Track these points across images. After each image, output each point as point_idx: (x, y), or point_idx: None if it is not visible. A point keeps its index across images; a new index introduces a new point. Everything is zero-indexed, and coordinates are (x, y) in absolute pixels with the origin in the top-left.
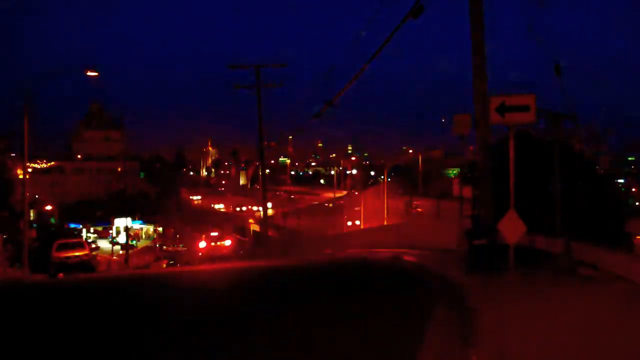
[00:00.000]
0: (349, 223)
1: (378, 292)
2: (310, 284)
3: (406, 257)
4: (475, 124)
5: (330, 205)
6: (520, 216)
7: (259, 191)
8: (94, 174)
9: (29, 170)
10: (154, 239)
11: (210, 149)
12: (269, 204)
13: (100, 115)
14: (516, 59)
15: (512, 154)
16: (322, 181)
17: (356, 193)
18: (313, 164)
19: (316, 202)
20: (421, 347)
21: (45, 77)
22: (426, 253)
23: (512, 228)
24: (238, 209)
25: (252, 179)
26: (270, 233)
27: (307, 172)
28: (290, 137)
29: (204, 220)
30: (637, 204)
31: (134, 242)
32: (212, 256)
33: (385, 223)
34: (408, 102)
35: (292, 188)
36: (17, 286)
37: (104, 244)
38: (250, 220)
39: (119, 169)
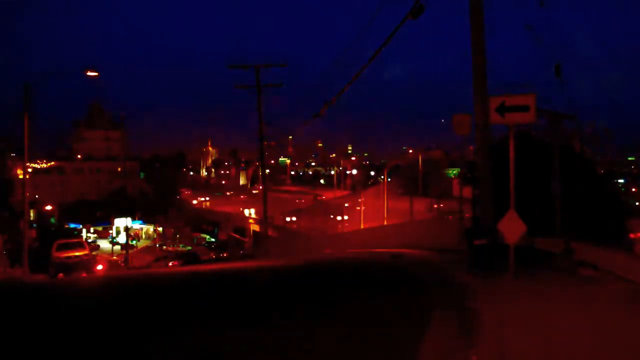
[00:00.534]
0: (352, 219)
1: (378, 292)
2: (309, 284)
3: (406, 257)
4: (475, 124)
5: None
6: (520, 216)
7: (260, 191)
8: (94, 174)
9: (29, 170)
10: (154, 239)
11: (210, 149)
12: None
13: (100, 115)
14: (516, 59)
15: (512, 154)
16: (322, 181)
17: (358, 197)
18: (313, 164)
19: (321, 198)
20: (421, 346)
21: (46, 77)
22: (426, 253)
23: (512, 228)
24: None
25: (252, 179)
26: (270, 233)
27: (307, 172)
28: (290, 137)
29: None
30: (637, 204)
31: (134, 242)
32: None
33: (385, 223)
34: (408, 102)
35: (292, 188)
36: (17, 286)
37: (104, 244)
38: (251, 220)
39: (119, 169)
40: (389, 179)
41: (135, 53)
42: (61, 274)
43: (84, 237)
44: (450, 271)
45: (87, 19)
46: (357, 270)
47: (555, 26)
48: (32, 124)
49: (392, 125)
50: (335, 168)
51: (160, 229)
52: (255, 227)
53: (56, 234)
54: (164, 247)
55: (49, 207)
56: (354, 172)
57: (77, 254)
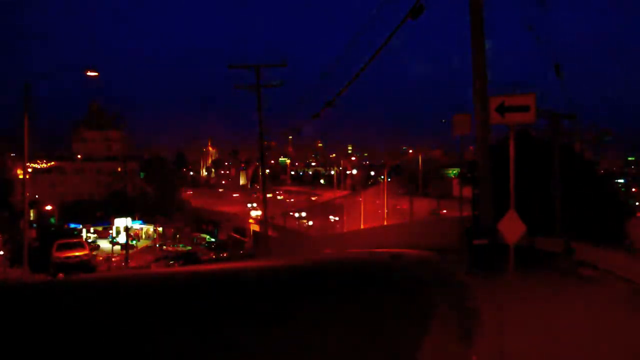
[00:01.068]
0: (352, 219)
1: (378, 292)
2: (310, 284)
3: (406, 257)
4: (475, 124)
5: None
6: (520, 216)
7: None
8: (94, 174)
9: (29, 170)
10: (154, 239)
11: (210, 149)
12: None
13: (100, 115)
14: (517, 59)
15: (512, 154)
16: (322, 181)
17: (358, 197)
18: (313, 164)
19: (315, 198)
20: (421, 346)
21: (46, 76)
22: (426, 253)
23: (512, 228)
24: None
25: (252, 179)
26: (270, 233)
27: (307, 172)
28: (290, 137)
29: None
30: (637, 204)
31: (134, 242)
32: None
33: (385, 223)
34: (408, 102)
35: (292, 188)
36: (16, 286)
37: (104, 244)
38: (251, 220)
39: (119, 169)
40: (389, 179)
41: (135, 53)
42: (61, 274)
43: (84, 237)
44: (450, 271)
45: (87, 19)
46: (357, 270)
47: (556, 26)
48: (32, 124)
49: (392, 125)
50: (335, 168)
51: (160, 229)
52: (255, 227)
53: (56, 234)
54: (164, 247)
55: (49, 207)
56: (354, 172)
57: (77, 254)
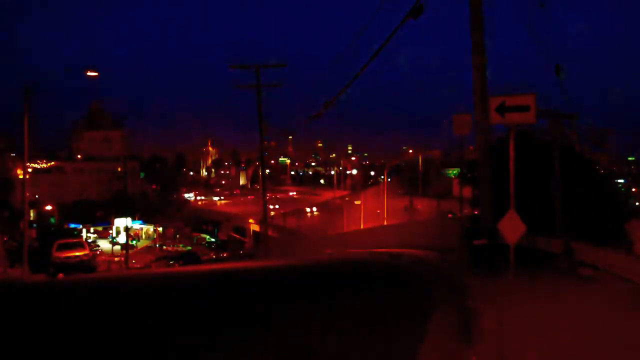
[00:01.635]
0: (352, 219)
1: (378, 292)
2: (310, 285)
3: (406, 257)
4: (475, 124)
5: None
6: (520, 216)
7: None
8: (94, 174)
9: (29, 170)
10: (154, 239)
11: (210, 149)
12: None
13: (100, 115)
14: (517, 59)
15: (512, 154)
16: (322, 181)
17: (358, 197)
18: (313, 164)
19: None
20: (421, 346)
21: (46, 76)
22: (426, 253)
23: (512, 228)
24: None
25: (252, 179)
26: (270, 233)
27: (307, 172)
28: (290, 137)
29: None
30: (637, 204)
31: (134, 242)
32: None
33: (385, 223)
34: (408, 102)
35: (292, 188)
36: (16, 286)
37: (104, 244)
38: (251, 220)
39: (119, 169)
40: (389, 179)
41: (135, 53)
42: (61, 274)
43: (84, 237)
44: (450, 271)
45: (87, 19)
46: (357, 270)
47: (556, 26)
48: (32, 124)
49: (392, 125)
50: (335, 168)
51: (160, 229)
52: (255, 227)
53: (56, 234)
54: (164, 247)
55: (49, 207)
56: (354, 172)
57: (77, 254)
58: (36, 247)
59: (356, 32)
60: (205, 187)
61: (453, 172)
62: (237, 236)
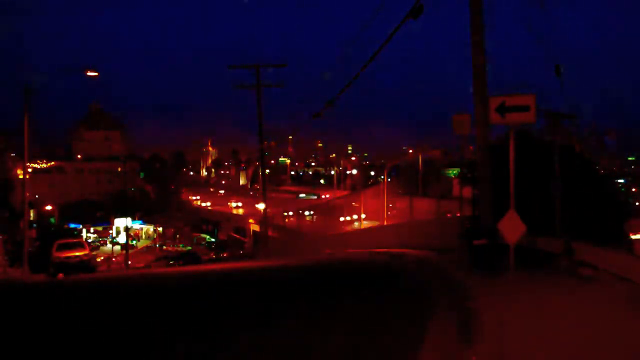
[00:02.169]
0: (352, 219)
1: (378, 292)
2: (310, 285)
3: (406, 257)
4: (475, 123)
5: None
6: (520, 216)
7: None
8: (94, 174)
9: (29, 170)
10: (154, 239)
11: (210, 149)
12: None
13: (100, 115)
14: (517, 59)
15: (512, 154)
16: (322, 181)
17: (358, 197)
18: (313, 164)
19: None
20: (422, 347)
21: (46, 76)
22: (426, 253)
23: (512, 228)
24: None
25: (252, 179)
26: (270, 233)
27: (307, 172)
28: (290, 137)
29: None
30: (637, 204)
31: (134, 242)
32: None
33: (385, 223)
34: (408, 102)
35: (292, 188)
36: (16, 286)
37: (104, 244)
38: (251, 220)
39: (119, 169)
40: (389, 179)
41: (135, 53)
42: (61, 274)
43: (84, 237)
44: (450, 271)
45: (87, 19)
46: (357, 270)
47: (557, 26)
48: (32, 124)
49: (392, 125)
50: (335, 168)
51: (160, 229)
52: (255, 227)
53: (56, 234)
54: (164, 247)
55: (49, 207)
56: (354, 172)
57: (77, 254)
58: (36, 247)
59: (356, 32)
60: (206, 187)
61: (453, 172)
62: (237, 236)
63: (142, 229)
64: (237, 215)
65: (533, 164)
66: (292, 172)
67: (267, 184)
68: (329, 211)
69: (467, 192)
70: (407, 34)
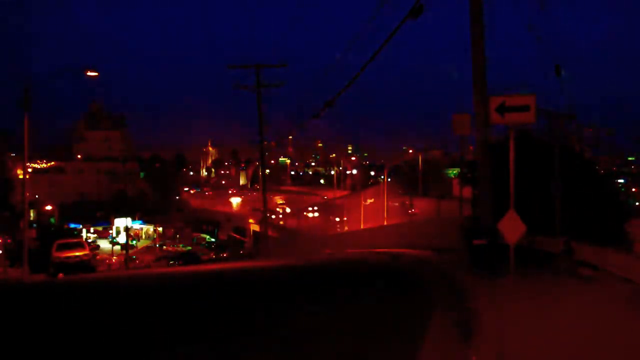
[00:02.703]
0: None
1: (378, 292)
2: (310, 285)
3: (406, 257)
4: (475, 124)
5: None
6: (520, 216)
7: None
8: (94, 174)
9: (29, 170)
10: (154, 239)
11: (210, 149)
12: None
13: (100, 115)
14: (517, 59)
15: (512, 154)
16: (322, 181)
17: (358, 197)
18: (313, 164)
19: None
20: (422, 346)
21: (46, 76)
22: (426, 253)
23: (512, 228)
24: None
25: (252, 179)
26: (270, 233)
27: (307, 172)
28: (290, 137)
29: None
30: (637, 204)
31: (134, 242)
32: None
33: (385, 223)
34: (408, 102)
35: (292, 188)
36: (16, 286)
37: (104, 244)
38: (250, 220)
39: (119, 169)
40: (389, 179)
41: (135, 53)
42: (61, 274)
43: (84, 237)
44: (450, 271)
45: (86, 19)
46: (357, 270)
47: (557, 25)
48: (32, 123)
49: (392, 125)
50: (335, 168)
51: (160, 229)
52: (255, 227)
53: (56, 234)
54: (164, 247)
55: (49, 207)
56: (354, 172)
57: (77, 254)
58: (36, 247)
59: (356, 32)
60: (205, 187)
61: (453, 172)
62: (237, 236)
63: (142, 229)
64: (237, 215)
65: (533, 164)
66: (292, 172)
67: (267, 184)
68: (329, 211)
69: (467, 192)
70: (407, 33)
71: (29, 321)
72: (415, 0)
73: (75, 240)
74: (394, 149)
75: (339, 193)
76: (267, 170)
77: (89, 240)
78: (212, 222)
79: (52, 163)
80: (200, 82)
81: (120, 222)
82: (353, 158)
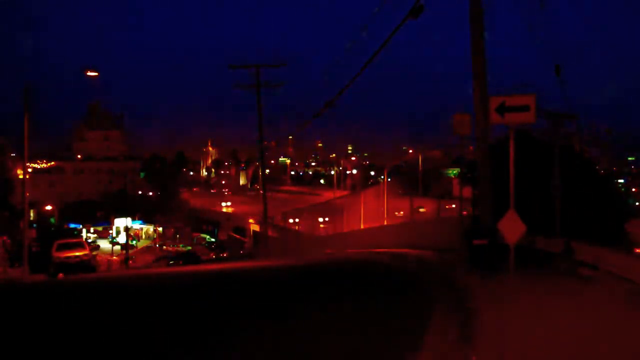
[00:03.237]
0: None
1: (379, 292)
2: (310, 285)
3: (406, 257)
4: (475, 124)
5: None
6: (520, 216)
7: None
8: (94, 174)
9: (29, 170)
10: (154, 239)
11: (210, 149)
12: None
13: (100, 115)
14: (517, 59)
15: (512, 154)
16: (322, 181)
17: (358, 197)
18: (313, 164)
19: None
20: (422, 346)
21: (46, 76)
22: (426, 253)
23: (512, 228)
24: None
25: (252, 179)
26: (270, 233)
27: (307, 172)
28: (290, 137)
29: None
30: (637, 204)
31: (134, 242)
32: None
33: (385, 223)
34: (409, 102)
35: (292, 188)
36: (16, 286)
37: (104, 244)
38: (250, 220)
39: (119, 169)
40: (389, 179)
41: (135, 53)
42: (61, 274)
43: (84, 237)
44: (450, 271)
45: (86, 18)
46: (358, 270)
47: (557, 26)
48: (32, 124)
49: (392, 125)
50: (335, 168)
51: (160, 229)
52: (255, 227)
53: (56, 234)
54: (164, 247)
55: (49, 207)
56: (354, 172)
57: (77, 254)
58: (36, 247)
59: (356, 31)
60: (206, 187)
61: (453, 172)
62: (237, 236)
63: (142, 229)
64: (237, 215)
65: (533, 164)
66: (292, 172)
67: (267, 184)
68: (329, 211)
69: (467, 192)
70: (407, 33)
71: (28, 321)
72: (415, 0)
73: (75, 240)
74: (394, 149)
75: (339, 193)
76: (267, 170)
77: (89, 240)
78: (212, 222)
79: (52, 163)
80: (200, 82)
81: (120, 222)
82: (353, 158)
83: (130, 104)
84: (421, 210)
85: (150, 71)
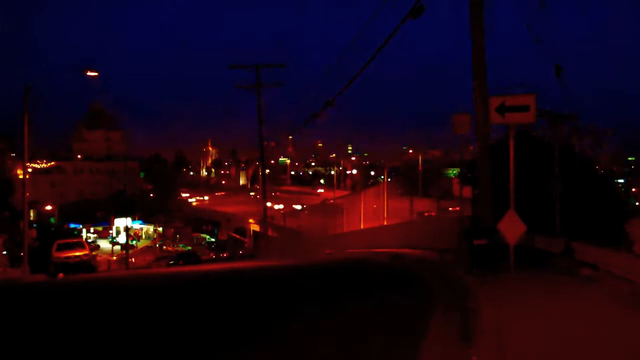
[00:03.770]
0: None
1: (379, 292)
2: (309, 285)
3: (406, 257)
4: (475, 123)
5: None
6: (520, 216)
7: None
8: (94, 174)
9: (29, 170)
10: (154, 239)
11: (210, 149)
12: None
13: (100, 115)
14: (517, 59)
15: (512, 154)
16: (322, 181)
17: (358, 197)
18: (313, 164)
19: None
20: (422, 346)
21: (46, 76)
22: (426, 253)
23: (512, 228)
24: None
25: (252, 179)
26: (270, 233)
27: (307, 172)
28: (290, 137)
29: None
30: (637, 204)
31: (134, 242)
32: None
33: (385, 223)
34: (409, 102)
35: (292, 188)
36: (16, 286)
37: (104, 244)
38: (251, 220)
39: (119, 169)
40: (389, 179)
41: (135, 53)
42: (61, 274)
43: (84, 237)
44: (451, 271)
45: (86, 18)
46: (357, 270)
47: (557, 25)
48: (32, 124)
49: (392, 125)
50: (335, 168)
51: (160, 229)
52: (255, 227)
53: (56, 234)
54: (164, 247)
55: (49, 207)
56: (354, 172)
57: (77, 254)
58: (36, 247)
59: (356, 31)
60: (206, 187)
61: (453, 172)
62: (237, 236)
63: (142, 229)
64: (237, 215)
65: (533, 164)
66: (292, 172)
67: (267, 184)
68: (329, 211)
69: (467, 192)
70: (407, 33)
71: (27, 321)
72: (416, 1)
73: (75, 240)
74: (394, 149)
75: (339, 193)
76: (267, 170)
77: (89, 240)
78: (212, 222)
79: (52, 163)
80: (200, 82)
81: (120, 222)
82: (353, 158)
83: (130, 104)
84: (425, 214)
85: (151, 71)
